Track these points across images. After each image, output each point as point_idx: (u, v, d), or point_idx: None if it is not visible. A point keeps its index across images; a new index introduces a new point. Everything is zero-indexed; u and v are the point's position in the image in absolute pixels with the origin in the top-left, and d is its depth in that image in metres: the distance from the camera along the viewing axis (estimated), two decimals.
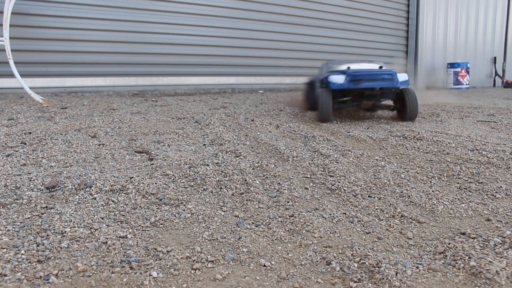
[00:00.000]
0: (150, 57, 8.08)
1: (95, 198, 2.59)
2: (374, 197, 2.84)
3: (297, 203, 2.71)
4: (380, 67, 6.10)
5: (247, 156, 3.75)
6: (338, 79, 5.50)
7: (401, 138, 4.66)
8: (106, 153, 3.72)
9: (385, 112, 6.72)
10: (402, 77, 5.58)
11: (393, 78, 5.48)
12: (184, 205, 2.58)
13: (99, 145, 3.97)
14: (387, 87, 5.52)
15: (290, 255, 2.05)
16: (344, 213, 2.56)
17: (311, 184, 3.10)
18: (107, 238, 2.07)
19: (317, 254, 2.05)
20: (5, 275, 1.69)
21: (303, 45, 10.27)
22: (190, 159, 3.51)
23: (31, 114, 5.17)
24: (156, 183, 2.87)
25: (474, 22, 14.63)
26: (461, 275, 1.84)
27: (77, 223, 2.21)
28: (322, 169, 3.41)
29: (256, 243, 2.15)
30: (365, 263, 1.92)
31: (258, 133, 4.84)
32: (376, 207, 2.66)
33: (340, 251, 2.07)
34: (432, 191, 2.93)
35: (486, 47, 15.07)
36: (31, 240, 2.00)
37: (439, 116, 6.29)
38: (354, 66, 6.27)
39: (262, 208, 2.62)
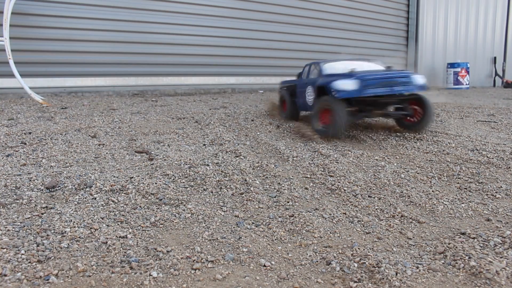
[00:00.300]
0: (150, 57, 8.08)
1: (95, 198, 2.59)
2: (374, 197, 2.84)
3: (297, 203, 2.71)
4: (388, 67, 5.24)
5: (247, 156, 3.75)
6: (347, 85, 4.37)
7: (401, 138, 4.66)
8: (106, 153, 3.72)
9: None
10: (419, 79, 4.59)
11: (412, 81, 4.53)
12: (184, 205, 2.58)
13: (99, 145, 3.97)
14: (407, 92, 4.59)
15: (290, 255, 2.05)
16: (344, 213, 2.56)
17: (311, 184, 3.10)
18: (107, 238, 2.07)
19: (317, 254, 2.05)
20: (5, 275, 1.69)
21: (303, 45, 10.27)
22: (190, 159, 3.51)
23: (31, 114, 5.17)
24: (156, 183, 2.87)
25: (474, 22, 14.64)
26: (461, 275, 1.84)
27: (77, 223, 2.21)
28: (322, 169, 3.41)
29: (256, 243, 2.15)
30: (365, 263, 1.92)
31: (258, 133, 4.84)
32: (376, 207, 2.66)
33: (340, 251, 2.08)
34: (432, 191, 2.93)
35: (486, 47, 15.08)
36: (31, 240, 2.00)
37: (439, 116, 6.29)
38: (359, 68, 5.18)
39: (262, 208, 2.62)
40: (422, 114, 4.81)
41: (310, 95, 5.20)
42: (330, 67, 5.28)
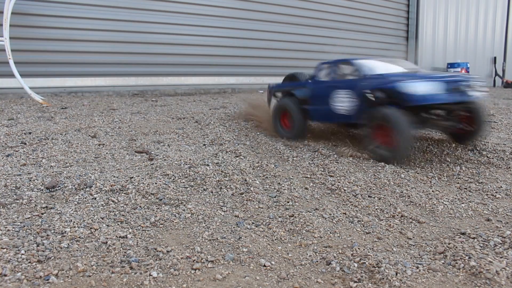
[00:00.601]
0: (150, 57, 8.08)
1: (95, 198, 2.59)
2: (374, 197, 2.84)
3: (297, 203, 2.71)
4: (437, 68, 4.34)
5: (247, 156, 3.75)
6: (426, 88, 3.56)
7: None
8: (106, 153, 3.72)
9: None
10: (480, 84, 3.97)
11: (478, 86, 3.92)
12: (184, 205, 2.58)
13: (99, 145, 3.97)
14: (470, 100, 3.91)
15: (290, 255, 2.05)
16: (344, 213, 2.56)
17: (311, 184, 3.10)
18: (107, 238, 2.07)
19: (317, 254, 2.05)
20: (5, 275, 1.69)
21: (303, 45, 10.27)
22: (190, 159, 3.51)
23: (31, 114, 5.17)
24: (156, 183, 2.87)
25: (474, 22, 14.63)
26: (461, 275, 1.84)
27: (77, 223, 2.21)
28: (322, 169, 3.41)
29: (256, 243, 2.15)
30: (365, 263, 1.92)
31: (258, 133, 4.84)
32: (376, 207, 2.66)
33: (340, 251, 2.08)
34: (432, 191, 2.93)
35: (486, 47, 15.08)
36: (31, 240, 2.00)
37: None
38: (401, 68, 4.42)
39: (262, 208, 2.62)
40: (474, 124, 4.09)
41: (345, 102, 4.15)
42: (372, 67, 4.27)
